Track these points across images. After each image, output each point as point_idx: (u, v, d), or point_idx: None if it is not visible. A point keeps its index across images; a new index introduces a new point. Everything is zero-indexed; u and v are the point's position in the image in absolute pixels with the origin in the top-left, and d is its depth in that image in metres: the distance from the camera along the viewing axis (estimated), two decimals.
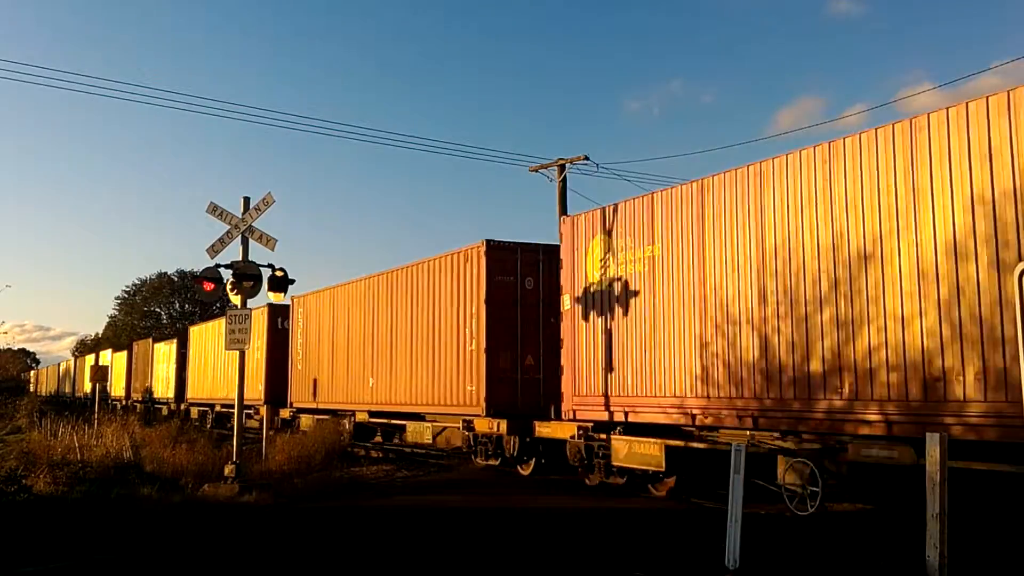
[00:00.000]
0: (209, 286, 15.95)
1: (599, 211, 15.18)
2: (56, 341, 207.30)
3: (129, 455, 17.38)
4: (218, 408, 34.16)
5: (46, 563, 9.53)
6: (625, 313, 14.31)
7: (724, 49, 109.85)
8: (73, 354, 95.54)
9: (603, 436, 14.79)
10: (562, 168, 26.71)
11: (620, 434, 14.39)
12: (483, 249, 17.61)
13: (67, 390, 70.49)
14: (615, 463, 14.38)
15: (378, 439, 23.92)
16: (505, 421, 16.96)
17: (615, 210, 14.77)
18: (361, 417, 23.23)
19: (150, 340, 48.12)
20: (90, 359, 60.47)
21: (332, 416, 24.28)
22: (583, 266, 15.47)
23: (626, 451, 14.15)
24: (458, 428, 18.65)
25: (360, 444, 23.19)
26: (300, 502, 14.60)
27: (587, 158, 26.35)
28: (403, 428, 21.86)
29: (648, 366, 13.82)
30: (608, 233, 14.88)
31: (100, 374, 34.11)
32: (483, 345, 17.42)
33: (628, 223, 14.44)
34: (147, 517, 12.44)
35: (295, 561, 9.72)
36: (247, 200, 15.94)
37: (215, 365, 34.92)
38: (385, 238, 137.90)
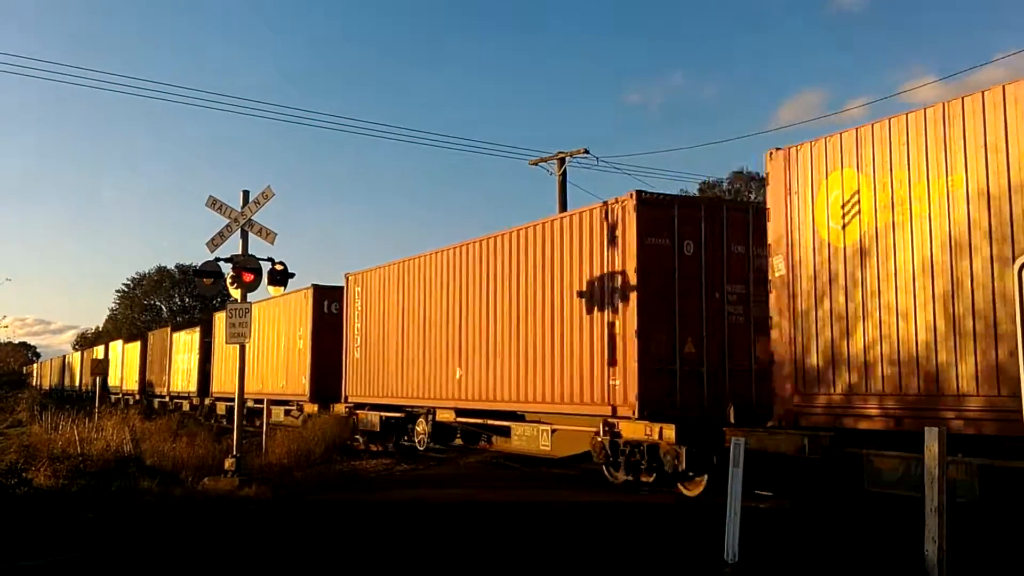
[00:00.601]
0: (209, 280, 15.97)
1: (838, 136, 10.63)
2: (57, 335, 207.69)
3: (129, 448, 17.41)
4: (250, 404, 26.55)
5: (46, 556, 9.56)
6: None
7: (726, 42, 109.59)
8: (74, 347, 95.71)
9: (857, 450, 9.72)
10: (562, 162, 26.71)
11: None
12: (633, 203, 13.67)
13: (68, 383, 68.65)
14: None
15: (459, 441, 19.72)
16: (673, 427, 12.79)
17: (871, 131, 10.19)
18: (445, 416, 19.05)
19: (168, 329, 43.95)
20: (98, 351, 56.93)
21: (402, 412, 21.12)
22: (808, 216, 10.96)
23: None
24: (594, 433, 14.22)
25: (358, 438, 23.10)
26: (300, 495, 14.63)
27: (587, 151, 26.39)
28: (505, 430, 17.13)
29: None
30: (859, 166, 10.29)
31: (99, 367, 34.14)
32: (634, 327, 13.51)
33: (895, 147, 9.90)
34: (147, 510, 12.47)
35: (294, 554, 9.74)
36: (246, 194, 15.95)
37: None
38: (383, 232, 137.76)
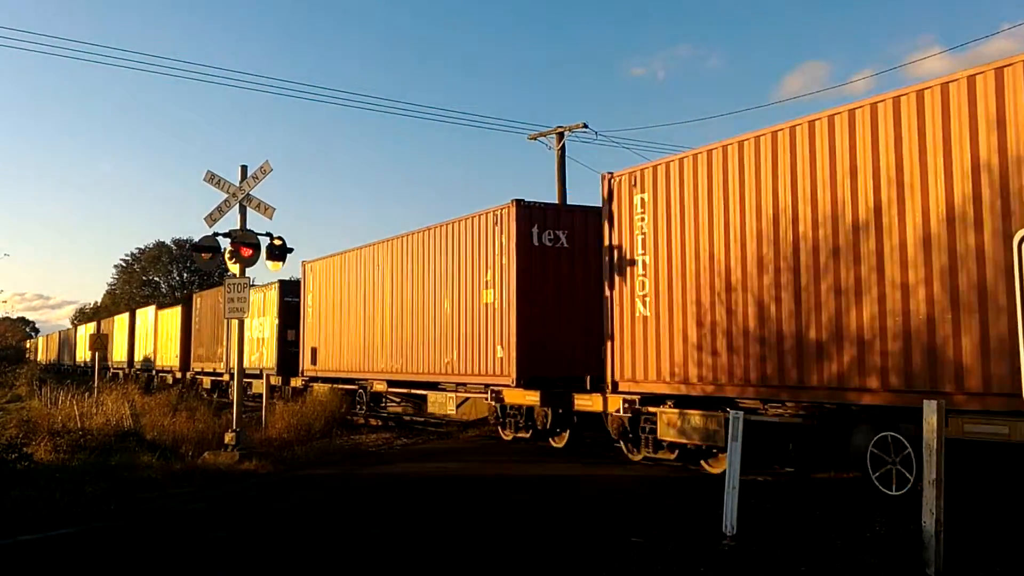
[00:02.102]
0: (207, 255, 15.95)
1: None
2: (56, 310, 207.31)
3: (129, 423, 17.47)
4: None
5: (46, 530, 9.60)
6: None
7: (732, 13, 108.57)
8: (72, 322, 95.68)
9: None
10: (561, 136, 26.60)
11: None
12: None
13: (69, 360, 67.43)
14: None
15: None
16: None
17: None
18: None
19: (219, 291, 30.59)
20: (118, 320, 50.35)
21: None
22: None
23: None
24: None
25: (358, 413, 23.22)
26: (300, 469, 14.69)
27: (586, 126, 26.31)
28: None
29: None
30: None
31: (98, 342, 34.15)
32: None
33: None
34: (147, 484, 12.52)
35: (293, 527, 9.78)
36: (244, 168, 15.89)
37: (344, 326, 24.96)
38: (383, 205, 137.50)
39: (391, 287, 21.52)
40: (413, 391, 21.00)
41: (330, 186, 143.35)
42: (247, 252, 15.78)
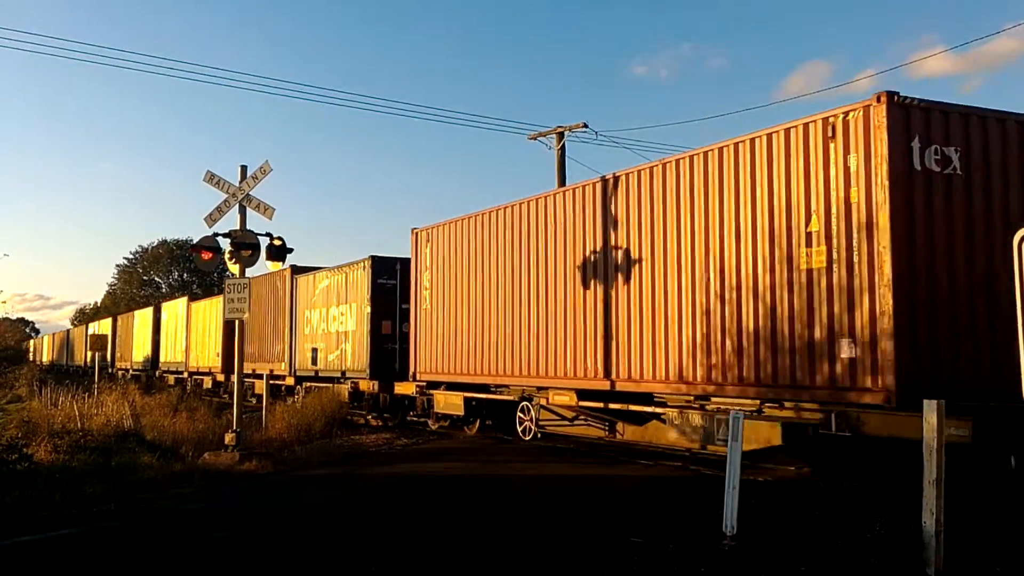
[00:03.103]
0: (207, 255, 15.96)
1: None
2: (56, 310, 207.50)
3: (129, 424, 17.47)
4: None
5: (46, 531, 9.59)
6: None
7: (735, 12, 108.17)
8: (72, 323, 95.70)
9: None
10: (560, 136, 26.59)
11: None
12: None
13: (70, 360, 66.95)
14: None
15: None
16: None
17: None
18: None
19: (274, 276, 27.17)
20: (140, 316, 45.32)
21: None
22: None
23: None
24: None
25: (360, 412, 23.20)
26: (300, 470, 14.69)
27: (586, 126, 26.29)
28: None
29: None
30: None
31: (98, 342, 34.15)
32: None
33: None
34: (147, 485, 12.52)
35: (291, 527, 9.77)
36: (244, 168, 15.89)
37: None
38: (385, 207, 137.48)
39: (582, 257, 15.58)
40: (631, 407, 14.76)
41: (330, 186, 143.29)
42: (247, 252, 15.79)
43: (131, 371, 43.62)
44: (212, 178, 15.80)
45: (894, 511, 9.32)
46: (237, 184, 15.76)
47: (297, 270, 26.77)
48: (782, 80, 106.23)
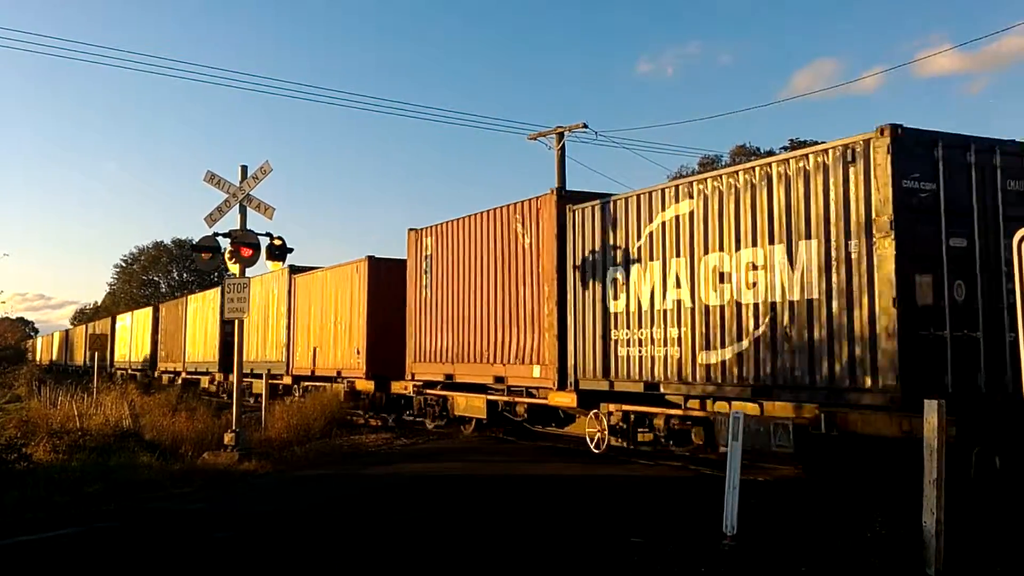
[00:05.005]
0: (207, 255, 15.95)
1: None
2: (56, 310, 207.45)
3: (128, 423, 17.46)
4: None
5: (46, 531, 9.58)
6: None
7: (741, 10, 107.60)
8: (72, 323, 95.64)
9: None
10: (561, 136, 26.58)
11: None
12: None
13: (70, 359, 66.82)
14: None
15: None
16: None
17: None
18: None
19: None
20: (174, 307, 41.63)
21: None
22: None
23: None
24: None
25: (359, 412, 23.19)
26: (300, 469, 14.68)
27: (586, 126, 26.31)
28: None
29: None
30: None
31: (98, 342, 34.17)
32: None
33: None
34: (146, 485, 12.51)
35: (290, 529, 9.77)
36: (244, 169, 15.89)
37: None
38: (384, 207, 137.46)
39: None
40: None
41: (329, 186, 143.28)
42: (247, 252, 15.78)
43: (166, 374, 42.17)
44: (212, 178, 15.80)
45: (894, 511, 9.32)
46: (237, 184, 15.76)
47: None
48: (788, 78, 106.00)
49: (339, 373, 23.52)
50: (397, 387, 21.41)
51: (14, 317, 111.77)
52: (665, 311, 13.37)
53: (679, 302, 13.14)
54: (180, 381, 36.84)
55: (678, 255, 13.20)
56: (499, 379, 17.41)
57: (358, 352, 22.54)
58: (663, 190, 13.68)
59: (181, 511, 11.05)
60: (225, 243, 15.78)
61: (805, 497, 10.90)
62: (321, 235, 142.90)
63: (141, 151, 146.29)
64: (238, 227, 15.79)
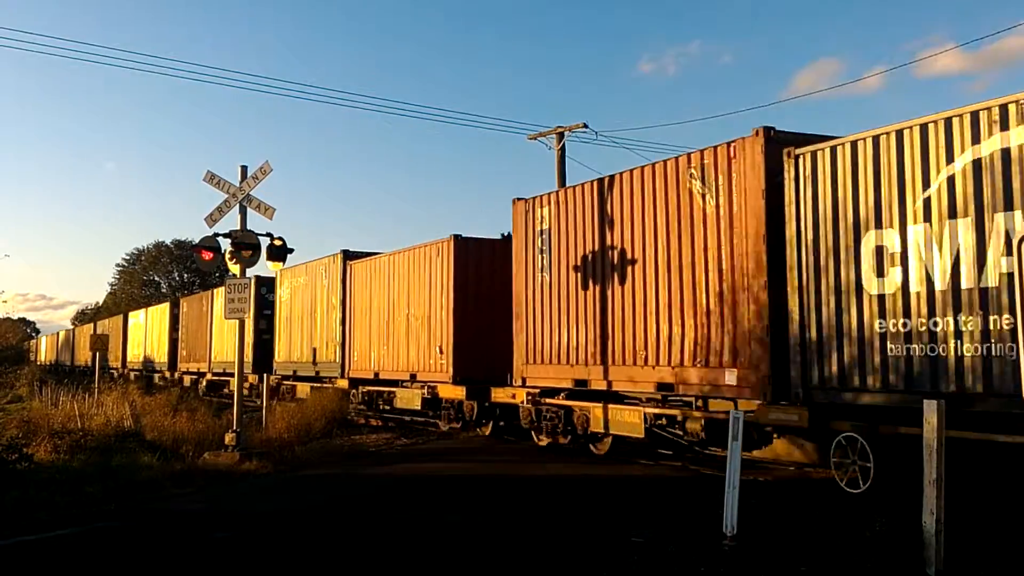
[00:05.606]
0: (207, 255, 15.94)
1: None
2: (58, 310, 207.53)
3: (130, 424, 17.47)
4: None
5: (47, 531, 9.59)
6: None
7: (744, 9, 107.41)
8: (73, 323, 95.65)
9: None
10: (561, 136, 26.55)
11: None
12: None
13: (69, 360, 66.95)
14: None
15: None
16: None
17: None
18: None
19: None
20: (183, 304, 40.23)
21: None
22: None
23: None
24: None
25: (361, 409, 23.14)
26: (301, 469, 14.69)
27: (586, 126, 26.23)
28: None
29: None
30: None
31: (99, 342, 34.15)
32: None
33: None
34: (147, 485, 12.51)
35: (291, 529, 9.77)
36: (244, 169, 15.88)
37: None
38: (385, 208, 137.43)
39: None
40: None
41: (329, 186, 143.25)
42: (248, 252, 15.78)
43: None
44: (212, 178, 15.80)
45: (894, 511, 9.32)
46: (238, 184, 15.76)
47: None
48: (790, 78, 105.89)
49: (414, 376, 20.38)
50: (500, 395, 17.75)
51: (15, 317, 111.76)
52: (984, 291, 9.25)
53: (1012, 278, 8.25)
54: (205, 384, 34.57)
55: (1009, 208, 9.07)
56: (664, 386, 13.40)
57: (440, 351, 19.30)
58: (975, 113, 9.43)
59: (181, 511, 11.06)
60: (226, 243, 15.77)
61: (805, 497, 10.90)
62: (321, 236, 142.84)
63: (141, 151, 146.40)
64: (238, 227, 15.79)
